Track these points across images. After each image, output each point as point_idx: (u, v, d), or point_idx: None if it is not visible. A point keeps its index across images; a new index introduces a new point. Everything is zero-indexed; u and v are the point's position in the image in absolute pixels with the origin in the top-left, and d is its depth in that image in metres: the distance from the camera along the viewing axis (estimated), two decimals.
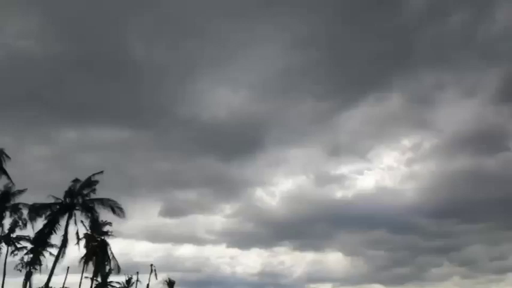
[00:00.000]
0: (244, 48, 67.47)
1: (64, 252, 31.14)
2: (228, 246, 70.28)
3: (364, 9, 68.41)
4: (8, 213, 32.58)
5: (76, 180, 33.71)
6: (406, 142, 73.51)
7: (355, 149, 73.02)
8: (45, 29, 65.54)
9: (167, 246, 67.55)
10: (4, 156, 31.76)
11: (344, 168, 74.13)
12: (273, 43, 68.67)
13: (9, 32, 65.08)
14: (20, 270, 33.88)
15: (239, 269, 64.49)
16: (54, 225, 31.43)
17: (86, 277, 36.25)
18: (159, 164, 67.88)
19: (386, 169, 72.54)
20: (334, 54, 69.76)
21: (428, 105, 72.03)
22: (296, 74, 69.35)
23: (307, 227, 65.79)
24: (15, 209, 32.84)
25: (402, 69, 71.99)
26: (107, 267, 36.50)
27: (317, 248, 67.84)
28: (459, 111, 71.36)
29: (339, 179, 71.37)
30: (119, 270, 36.21)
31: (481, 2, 69.52)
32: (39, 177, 56.09)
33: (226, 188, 70.46)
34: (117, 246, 59.41)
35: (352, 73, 70.54)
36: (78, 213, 31.67)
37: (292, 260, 67.29)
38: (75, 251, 31.96)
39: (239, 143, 69.38)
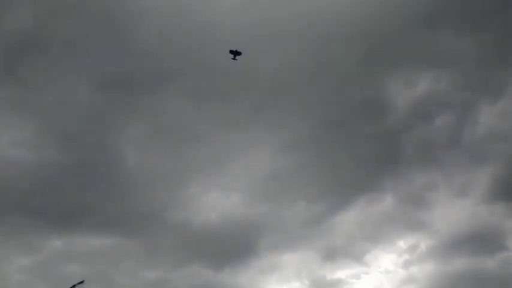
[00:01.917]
0: (235, 153, 69.30)
1: None
2: None
3: (350, 115, 71.73)
4: None
5: None
6: (402, 244, 71.91)
7: (351, 252, 71.04)
8: (40, 137, 67.30)
9: None
10: None
11: (340, 273, 71.03)
12: (264, 148, 70.56)
13: (4, 141, 66.49)
14: None
15: None
16: None
17: None
18: (147, 273, 65.14)
19: (383, 272, 70.12)
20: (324, 157, 71.44)
21: (421, 205, 71.83)
22: (287, 177, 70.12)
23: None
24: None
25: (392, 171, 72.83)
26: None
27: None
28: (453, 212, 71.08)
29: (336, 285, 68.33)
30: None
31: (463, 105, 73.09)
32: None
33: None
34: None
35: (343, 175, 71.34)
36: None
37: None
38: None
39: (231, 249, 67.37)
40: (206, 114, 68.39)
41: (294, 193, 71.15)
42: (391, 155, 72.24)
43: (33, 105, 66.93)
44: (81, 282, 35.21)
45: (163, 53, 63.56)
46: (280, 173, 70.41)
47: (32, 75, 66.59)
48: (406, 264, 69.24)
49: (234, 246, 67.82)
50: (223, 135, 69.02)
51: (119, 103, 67.79)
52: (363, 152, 71.78)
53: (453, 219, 70.31)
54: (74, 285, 34.37)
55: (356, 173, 71.84)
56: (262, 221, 70.25)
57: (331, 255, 70.17)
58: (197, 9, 65.18)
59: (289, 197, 71.12)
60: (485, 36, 74.67)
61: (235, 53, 44.56)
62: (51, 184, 64.84)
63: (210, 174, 69.54)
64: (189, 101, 68.65)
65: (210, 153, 69.19)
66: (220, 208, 68.79)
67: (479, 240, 66.82)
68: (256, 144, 70.13)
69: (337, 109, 73.18)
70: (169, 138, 69.22)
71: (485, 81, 74.97)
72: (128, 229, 65.62)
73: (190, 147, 68.19)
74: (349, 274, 71.59)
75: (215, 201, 68.46)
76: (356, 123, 73.22)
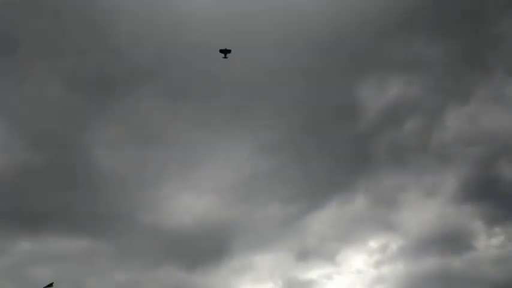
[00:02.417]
0: (209, 154, 69.44)
1: None
2: None
3: (324, 118, 72.97)
4: None
5: None
6: (373, 244, 73.04)
7: (323, 252, 71.80)
8: (9, 137, 66.47)
9: None
10: None
11: (313, 273, 71.60)
12: (239, 149, 70.86)
13: None
14: None
15: None
16: None
17: None
18: (119, 275, 64.46)
19: (355, 273, 71.03)
20: (299, 160, 72.22)
21: (392, 206, 73.20)
22: (261, 179, 70.53)
23: None
24: None
25: (364, 173, 74.04)
26: None
27: None
28: (422, 212, 72.59)
29: (308, 285, 68.91)
30: None
31: (432, 109, 75.12)
32: None
33: None
34: None
35: (316, 176, 72.25)
36: None
37: None
38: None
39: (203, 250, 67.26)
40: (180, 115, 68.66)
41: (268, 194, 71.74)
42: (363, 157, 73.71)
43: (2, 105, 66.26)
44: (51, 285, 34.47)
45: (137, 53, 63.60)
46: (254, 174, 71.01)
47: (1, 74, 65.83)
48: (377, 264, 70.31)
49: (207, 247, 67.81)
50: (196, 137, 69.27)
51: (90, 103, 67.45)
52: (336, 154, 73.16)
53: (422, 219, 71.83)
54: None
55: (329, 175, 72.99)
56: (235, 222, 70.55)
57: (304, 255, 70.80)
58: (172, 8, 65.35)
59: (263, 198, 71.66)
60: (454, 42, 77.21)
61: (226, 51, 44.89)
62: (20, 185, 63.93)
63: (183, 175, 69.75)
64: (163, 101, 68.65)
65: (183, 155, 69.43)
66: (193, 209, 68.82)
67: (448, 241, 68.55)
68: (230, 146, 70.64)
69: (311, 112, 74.32)
70: (142, 139, 69.22)
71: (453, 86, 77.36)
72: (99, 231, 65.01)
73: (163, 148, 68.31)
74: (321, 274, 72.25)
75: (188, 203, 68.49)
76: (329, 126, 74.55)
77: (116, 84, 67.85)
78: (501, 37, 74.96)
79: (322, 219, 71.76)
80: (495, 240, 68.50)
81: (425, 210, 72.62)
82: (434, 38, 76.85)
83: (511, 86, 74.95)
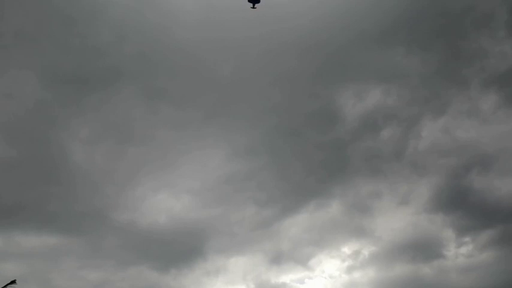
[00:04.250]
0: (186, 155, 69.57)
1: None
2: None
3: (302, 123, 73.78)
4: None
5: None
6: (346, 249, 73.82)
7: (297, 256, 72.24)
8: None
9: None
10: None
11: (285, 277, 71.93)
12: (216, 150, 71.27)
13: None
14: None
15: None
16: None
17: None
18: (90, 274, 63.64)
19: (327, 277, 71.68)
20: (276, 163, 72.92)
21: (365, 213, 74.16)
22: (238, 181, 70.82)
23: None
24: None
25: (340, 179, 74.92)
26: None
27: None
28: (395, 220, 73.62)
29: None
30: None
31: (409, 119, 76.45)
32: None
33: None
34: None
35: (293, 181, 72.93)
36: None
37: None
38: None
39: (177, 251, 66.97)
40: (158, 115, 68.69)
41: (244, 197, 71.87)
42: (339, 163, 74.52)
43: None
44: (13, 281, 33.56)
45: (116, 50, 63.44)
46: (231, 176, 71.23)
47: None
48: (349, 270, 71.02)
49: (181, 248, 67.57)
50: (174, 137, 69.42)
51: (67, 99, 66.78)
52: (313, 160, 73.89)
53: (395, 227, 72.86)
54: (6, 285, 32.69)
55: (305, 180, 73.60)
56: (211, 224, 70.50)
57: (278, 259, 71.08)
58: (155, 8, 65.42)
59: (239, 201, 71.79)
60: (432, 55, 78.72)
61: (254, 1, 44.17)
62: None
63: (159, 175, 69.62)
64: (141, 101, 68.62)
65: (160, 155, 69.36)
66: (168, 210, 68.71)
67: (418, 248, 69.47)
68: (208, 148, 70.94)
69: (290, 117, 75.14)
70: (119, 137, 68.91)
71: (430, 98, 78.86)
72: (71, 228, 64.20)
73: (139, 148, 68.19)
74: (294, 278, 72.62)
75: (163, 203, 68.42)
76: (307, 131, 75.30)
77: (93, 81, 67.49)
78: (477, 51, 76.91)
79: (297, 224, 72.27)
80: (464, 249, 69.78)
81: (397, 217, 73.71)
82: (412, 51, 78.17)
83: (486, 100, 76.85)
